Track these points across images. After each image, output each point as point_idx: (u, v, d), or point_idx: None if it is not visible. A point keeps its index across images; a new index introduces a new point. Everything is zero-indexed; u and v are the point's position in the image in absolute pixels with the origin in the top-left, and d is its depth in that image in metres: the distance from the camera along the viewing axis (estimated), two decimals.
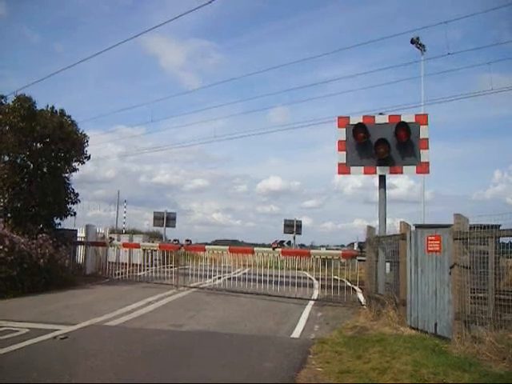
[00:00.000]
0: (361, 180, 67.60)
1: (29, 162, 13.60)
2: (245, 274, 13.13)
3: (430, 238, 6.89)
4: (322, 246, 30.09)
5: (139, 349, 6.17)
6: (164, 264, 15.17)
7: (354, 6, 64.01)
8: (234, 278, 12.96)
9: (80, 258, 15.44)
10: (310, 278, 14.11)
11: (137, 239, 20.86)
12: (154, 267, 14.92)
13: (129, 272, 14.90)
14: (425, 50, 22.29)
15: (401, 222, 8.06)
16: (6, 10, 65.47)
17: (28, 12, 67.89)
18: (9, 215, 12.84)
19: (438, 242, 6.69)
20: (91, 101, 73.48)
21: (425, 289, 6.94)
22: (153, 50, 72.25)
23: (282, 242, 27.63)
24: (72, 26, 69.37)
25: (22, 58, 71.78)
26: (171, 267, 14.06)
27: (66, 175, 14.34)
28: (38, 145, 13.52)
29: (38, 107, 13.57)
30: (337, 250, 21.75)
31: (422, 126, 9.80)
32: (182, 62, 77.34)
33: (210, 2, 9.91)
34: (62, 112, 14.00)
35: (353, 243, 25.91)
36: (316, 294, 12.30)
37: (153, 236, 26.77)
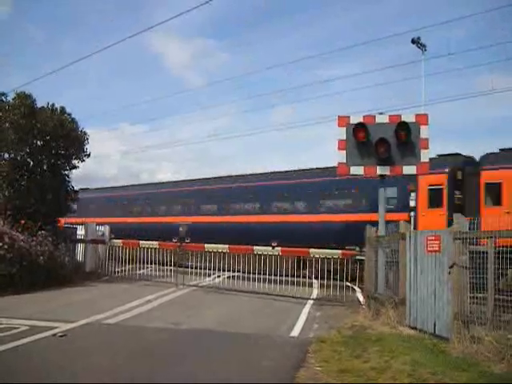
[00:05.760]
0: None
1: (29, 160, 13.59)
2: (244, 272, 13.12)
3: (429, 238, 6.90)
4: None
5: (138, 347, 6.18)
6: (163, 262, 15.14)
7: (356, 5, 63.82)
8: (234, 276, 12.96)
9: (80, 255, 15.43)
10: (309, 277, 14.10)
11: None
12: (153, 265, 14.92)
13: (128, 270, 14.90)
14: (425, 50, 22.22)
15: (401, 222, 8.07)
16: (10, 6, 65.36)
17: (32, 9, 67.74)
18: (8, 212, 12.83)
19: (437, 242, 6.69)
20: (95, 98, 73.27)
21: (424, 288, 6.94)
22: (157, 48, 72.12)
23: None
24: (76, 24, 69.16)
25: (25, 55, 71.65)
26: (171, 265, 14.05)
27: (66, 173, 14.34)
28: (38, 142, 13.51)
29: (40, 104, 13.58)
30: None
31: (422, 126, 9.78)
32: (187, 61, 77.14)
33: (207, 2, 9.99)
34: (63, 110, 13.98)
35: None
36: (315, 293, 12.30)
37: None
